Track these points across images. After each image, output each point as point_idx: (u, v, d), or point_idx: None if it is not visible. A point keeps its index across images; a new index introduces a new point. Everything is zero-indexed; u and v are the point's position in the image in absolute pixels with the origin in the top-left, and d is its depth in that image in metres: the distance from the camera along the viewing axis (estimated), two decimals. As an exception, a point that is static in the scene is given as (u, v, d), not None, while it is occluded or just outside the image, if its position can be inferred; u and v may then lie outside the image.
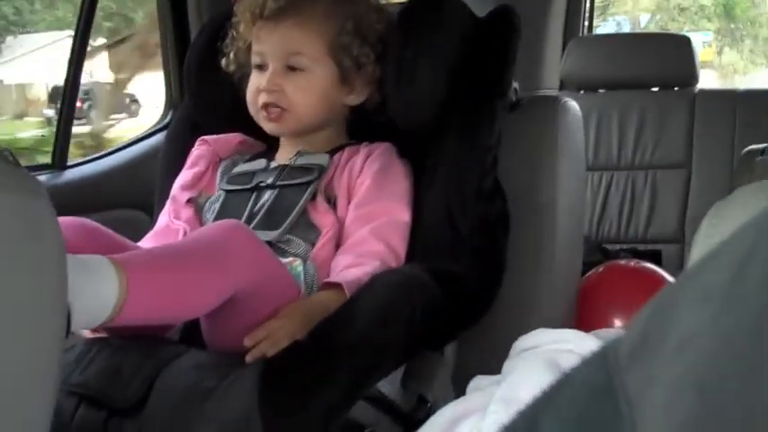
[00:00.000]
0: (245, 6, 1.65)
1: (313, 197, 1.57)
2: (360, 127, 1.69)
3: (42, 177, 1.99)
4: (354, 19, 1.61)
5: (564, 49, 3.18)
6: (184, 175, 1.72)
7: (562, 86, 3.24)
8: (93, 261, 1.19)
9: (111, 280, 1.18)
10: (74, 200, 1.85)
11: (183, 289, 1.26)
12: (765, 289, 0.32)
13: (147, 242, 1.61)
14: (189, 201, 1.67)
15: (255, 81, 1.63)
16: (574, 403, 0.37)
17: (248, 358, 1.28)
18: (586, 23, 3.56)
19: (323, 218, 1.55)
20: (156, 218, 1.73)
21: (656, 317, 0.37)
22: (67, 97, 2.09)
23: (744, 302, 0.33)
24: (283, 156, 1.67)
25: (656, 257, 2.63)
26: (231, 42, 1.69)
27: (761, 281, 0.33)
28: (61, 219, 1.38)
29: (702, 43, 9.99)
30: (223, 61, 1.70)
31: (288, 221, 1.52)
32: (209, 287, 1.28)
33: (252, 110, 1.65)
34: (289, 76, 1.60)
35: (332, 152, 1.63)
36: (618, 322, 1.93)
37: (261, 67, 1.62)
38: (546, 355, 1.13)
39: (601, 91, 3.19)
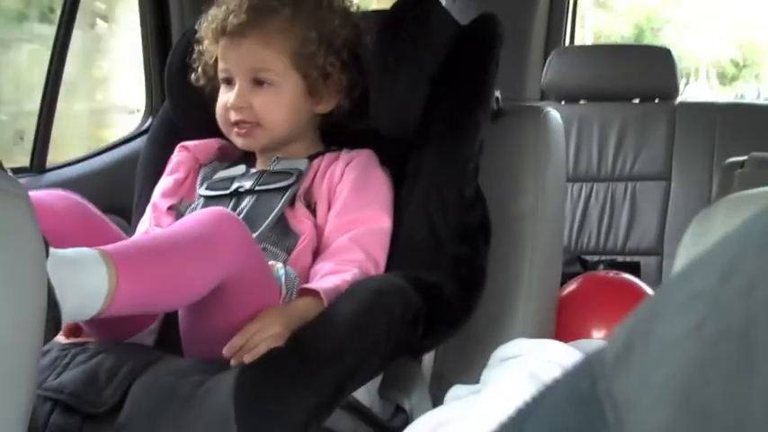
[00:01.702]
0: (207, 23, 1.64)
1: (292, 203, 1.56)
2: (340, 134, 1.69)
3: (21, 181, 1.98)
4: (317, 28, 1.60)
5: (545, 59, 3.20)
6: (165, 182, 1.71)
7: (543, 97, 3.26)
8: (82, 254, 1.18)
9: (100, 272, 1.17)
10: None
11: (173, 277, 1.25)
12: (749, 296, 0.33)
13: (124, 241, 1.60)
14: (170, 208, 1.66)
15: (224, 98, 1.63)
16: (558, 412, 0.37)
17: (233, 363, 1.27)
18: (568, 34, 3.58)
19: (301, 224, 1.55)
20: (135, 223, 1.72)
21: (640, 324, 0.36)
22: (48, 97, 2.07)
23: (728, 309, 0.33)
24: (262, 162, 1.66)
25: (634, 269, 2.64)
26: (198, 58, 1.68)
27: (745, 288, 0.33)
28: (49, 192, 1.39)
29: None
30: (192, 76, 1.69)
31: (264, 225, 1.52)
32: (199, 274, 1.27)
33: (222, 126, 1.64)
34: (256, 92, 1.60)
35: (311, 158, 1.63)
36: (596, 333, 1.93)
37: (228, 82, 1.62)
38: (526, 366, 1.13)
39: (582, 102, 3.20)
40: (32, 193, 1.34)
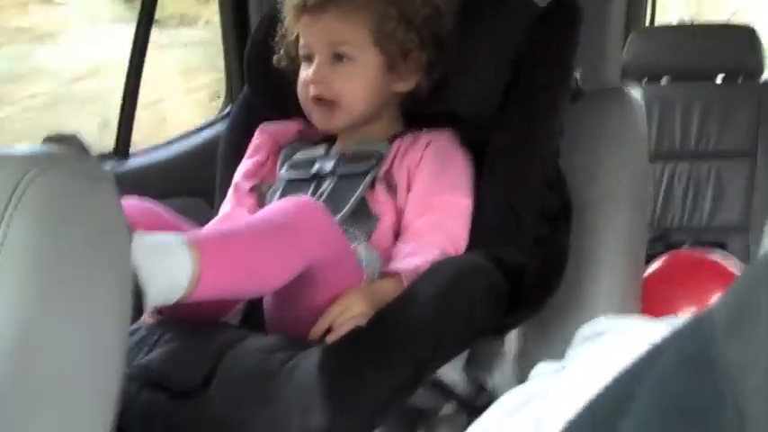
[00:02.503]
0: (289, 1, 1.65)
1: (372, 185, 1.57)
2: (420, 115, 1.68)
3: (105, 165, 2.01)
4: (397, 5, 1.59)
5: (626, 39, 3.15)
6: (246, 164, 1.73)
7: (624, 77, 3.21)
8: (166, 239, 1.20)
9: (184, 257, 1.19)
10: (135, 188, 1.86)
11: (255, 263, 1.27)
12: None
13: (208, 227, 1.62)
14: (251, 189, 1.68)
15: (304, 73, 1.63)
16: (668, 377, 0.36)
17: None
18: (648, 13, 3.53)
19: (381, 206, 1.55)
20: (218, 206, 1.74)
21: (747, 291, 0.35)
22: (131, 85, 2.10)
23: None
24: (343, 143, 1.67)
25: (720, 247, 2.60)
26: (281, 39, 1.69)
27: None
28: (127, 200, 1.41)
29: None
30: (275, 58, 1.70)
31: (345, 209, 1.52)
32: (282, 260, 1.28)
33: (303, 103, 1.64)
34: (335, 67, 1.59)
35: (391, 139, 1.63)
36: (682, 312, 1.90)
37: (308, 59, 1.62)
38: (611, 342, 1.12)
39: (663, 81, 3.15)
40: None
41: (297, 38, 1.66)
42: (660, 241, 2.65)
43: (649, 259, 2.03)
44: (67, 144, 1.14)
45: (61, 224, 0.87)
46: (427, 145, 1.58)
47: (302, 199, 1.38)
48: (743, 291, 0.36)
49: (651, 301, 1.83)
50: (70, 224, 0.88)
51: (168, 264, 1.18)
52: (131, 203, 1.40)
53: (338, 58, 1.59)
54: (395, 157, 1.60)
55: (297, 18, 1.63)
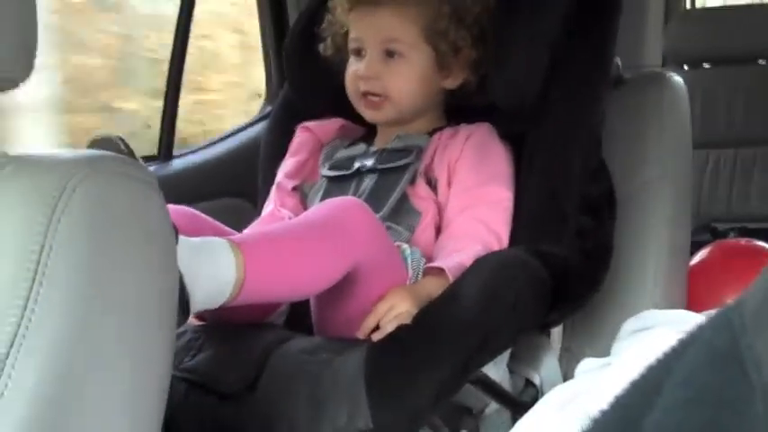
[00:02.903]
0: None
1: (413, 180, 1.57)
2: (458, 108, 1.68)
3: (150, 168, 2.03)
4: (451, 3, 1.59)
5: (666, 23, 3.11)
6: (288, 163, 1.73)
7: (665, 62, 3.17)
8: (211, 243, 1.21)
9: (228, 261, 1.20)
10: (179, 190, 1.88)
11: (301, 266, 1.27)
12: None
13: (253, 230, 1.63)
14: (294, 188, 1.69)
15: (353, 67, 1.63)
16: (697, 371, 0.36)
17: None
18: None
19: (423, 201, 1.55)
20: (261, 206, 1.75)
21: None
22: (171, 89, 2.12)
23: None
24: (382, 139, 1.67)
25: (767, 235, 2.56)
26: (328, 27, 1.69)
27: None
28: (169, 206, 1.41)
29: None
30: (321, 46, 1.70)
31: (387, 205, 1.52)
32: (328, 263, 1.29)
33: (351, 96, 1.65)
34: (387, 63, 1.60)
35: (431, 134, 1.63)
36: (730, 302, 1.88)
37: (358, 53, 1.63)
38: (657, 337, 1.11)
39: (705, 66, 3.10)
40: None
41: (345, 30, 1.66)
42: (706, 230, 2.62)
43: (695, 249, 2.01)
44: (112, 147, 1.15)
45: (107, 228, 0.88)
46: (467, 138, 1.58)
47: (348, 199, 1.38)
48: None
49: (697, 292, 1.81)
50: (116, 228, 0.89)
51: (214, 268, 1.19)
52: (171, 208, 1.41)
53: (389, 54, 1.59)
54: (435, 151, 1.60)
55: (349, 10, 1.63)
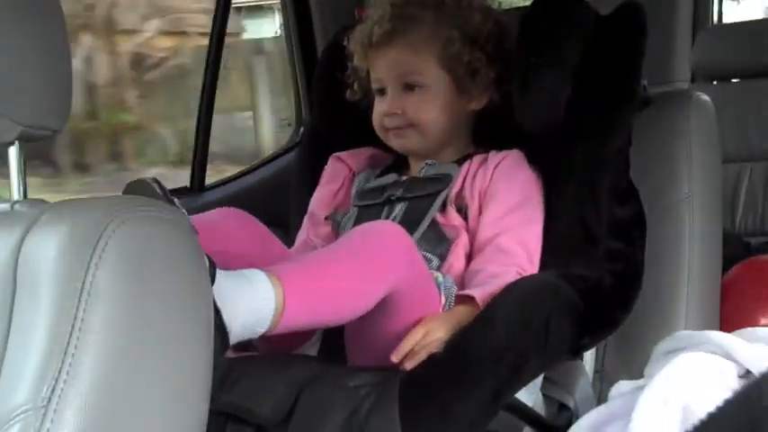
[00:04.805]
0: (355, 39, 1.68)
1: (443, 208, 1.58)
2: (487, 135, 1.69)
3: (182, 200, 2.05)
4: (460, 27, 1.61)
5: (694, 39, 3.10)
6: (320, 193, 1.75)
7: (694, 78, 3.16)
8: (249, 275, 1.22)
9: (267, 293, 1.21)
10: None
11: (338, 294, 1.28)
12: None
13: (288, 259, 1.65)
14: (326, 218, 1.70)
15: (379, 107, 1.66)
16: None
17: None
18: (716, 11, 3.46)
19: (453, 228, 1.56)
20: (294, 235, 1.77)
21: None
22: (203, 121, 2.15)
23: None
24: (413, 168, 1.68)
25: (802, 251, 2.54)
26: (352, 73, 1.72)
27: None
28: (220, 211, 1.44)
29: None
30: (348, 93, 1.74)
31: (418, 231, 1.54)
32: (365, 289, 1.30)
33: (380, 133, 1.67)
34: (408, 97, 1.62)
35: (460, 161, 1.64)
36: (764, 320, 1.87)
37: (382, 92, 1.65)
38: (689, 360, 1.11)
39: (735, 80, 3.09)
40: (203, 215, 1.41)
41: (367, 72, 1.68)
42: (739, 246, 2.59)
43: (729, 264, 2.00)
44: (147, 190, 1.17)
45: (142, 273, 0.90)
46: (497, 165, 1.59)
47: (385, 223, 1.40)
48: None
49: (730, 310, 1.80)
50: (150, 270, 0.91)
51: (252, 300, 1.20)
52: (226, 212, 1.45)
53: (409, 87, 1.62)
54: (465, 178, 1.61)
55: (364, 54, 1.66)
